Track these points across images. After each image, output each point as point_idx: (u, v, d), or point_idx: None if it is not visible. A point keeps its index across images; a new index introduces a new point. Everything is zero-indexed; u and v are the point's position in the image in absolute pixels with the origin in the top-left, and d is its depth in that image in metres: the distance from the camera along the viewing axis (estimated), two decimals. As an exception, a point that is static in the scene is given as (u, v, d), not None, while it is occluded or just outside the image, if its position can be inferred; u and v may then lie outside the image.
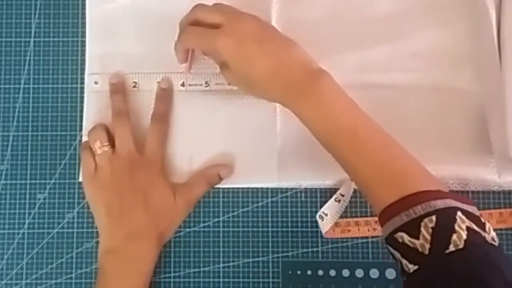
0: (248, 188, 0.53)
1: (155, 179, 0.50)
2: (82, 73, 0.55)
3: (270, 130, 0.53)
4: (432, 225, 0.38)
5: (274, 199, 0.53)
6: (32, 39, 0.55)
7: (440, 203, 0.39)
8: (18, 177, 0.54)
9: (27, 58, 0.55)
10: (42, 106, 0.54)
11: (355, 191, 0.52)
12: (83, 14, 0.55)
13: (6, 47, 0.55)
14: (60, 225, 0.53)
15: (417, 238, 0.38)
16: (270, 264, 0.52)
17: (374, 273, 0.52)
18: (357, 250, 0.52)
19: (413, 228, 0.38)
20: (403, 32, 0.54)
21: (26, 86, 0.55)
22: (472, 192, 0.52)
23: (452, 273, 0.37)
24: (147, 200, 0.50)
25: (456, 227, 0.37)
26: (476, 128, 0.53)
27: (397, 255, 0.40)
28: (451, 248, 0.37)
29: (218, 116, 0.54)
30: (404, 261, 0.39)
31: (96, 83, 0.54)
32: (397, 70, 0.54)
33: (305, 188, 0.53)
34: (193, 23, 0.48)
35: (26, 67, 0.55)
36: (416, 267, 0.38)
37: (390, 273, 0.52)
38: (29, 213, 0.53)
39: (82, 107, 0.54)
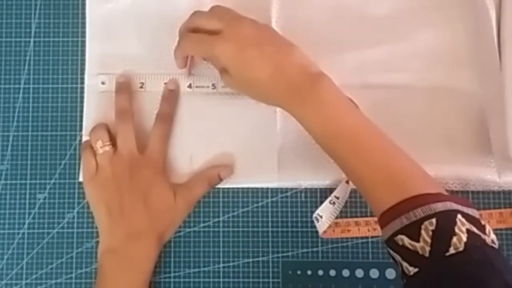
0: (248, 188, 0.53)
1: (155, 179, 0.50)
2: (82, 73, 0.55)
3: (270, 130, 0.53)
4: (433, 227, 0.38)
5: (274, 199, 0.53)
6: (32, 39, 0.55)
7: (440, 206, 0.39)
8: (18, 177, 0.54)
9: (27, 58, 0.55)
10: (42, 106, 0.54)
11: (355, 191, 0.52)
12: (83, 14, 0.55)
13: (6, 47, 0.55)
14: (60, 225, 0.53)
15: (418, 241, 0.38)
16: (270, 264, 0.52)
17: (374, 273, 0.52)
18: (357, 250, 0.52)
19: (413, 230, 0.38)
20: (403, 32, 0.54)
21: (26, 86, 0.55)
22: (472, 192, 0.52)
23: (452, 276, 0.37)
24: (148, 200, 0.50)
25: (456, 230, 0.37)
26: (476, 128, 0.53)
27: (398, 258, 0.40)
28: (451, 250, 0.37)
29: (218, 116, 0.54)
30: (405, 264, 0.39)
31: (103, 83, 0.54)
32: (397, 70, 0.54)
33: (305, 188, 0.53)
34: (192, 30, 0.48)
35: (26, 67, 0.55)
36: (416, 269, 0.38)
37: (390, 273, 0.52)
38: (29, 213, 0.53)
39: (82, 107, 0.54)
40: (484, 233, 0.38)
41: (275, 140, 0.53)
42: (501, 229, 0.52)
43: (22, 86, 0.55)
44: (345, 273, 0.52)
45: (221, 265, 0.53)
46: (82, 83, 0.54)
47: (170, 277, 0.53)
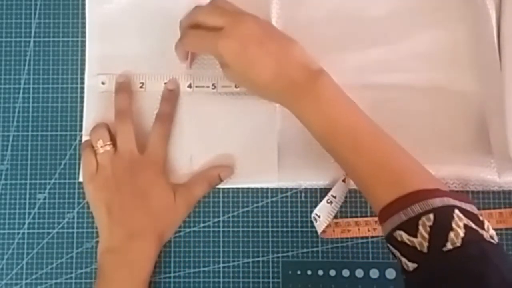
0: (248, 188, 0.53)
1: (155, 179, 0.50)
2: (82, 73, 0.55)
3: (270, 130, 0.53)
4: (430, 223, 0.38)
5: (274, 199, 0.53)
6: (32, 39, 0.55)
7: (438, 202, 0.39)
8: (18, 177, 0.54)
9: (27, 58, 0.55)
10: (42, 106, 0.54)
11: (355, 191, 0.52)
12: (83, 14, 0.55)
13: (6, 47, 0.55)
14: (60, 225, 0.53)
15: (415, 237, 0.38)
16: (270, 264, 0.52)
17: (374, 273, 0.52)
18: (357, 250, 0.52)
19: (411, 226, 0.39)
20: (403, 32, 0.54)
21: (26, 86, 0.55)
22: (472, 192, 0.52)
23: (450, 271, 0.37)
24: (148, 200, 0.50)
25: (454, 225, 0.38)
26: (476, 128, 0.53)
27: (397, 253, 0.40)
28: (449, 246, 0.37)
29: (218, 116, 0.54)
30: (404, 260, 0.39)
31: (103, 83, 0.54)
32: (397, 70, 0.54)
33: (305, 188, 0.53)
34: (193, 26, 0.48)
35: (26, 67, 0.55)
36: (415, 265, 0.38)
37: (390, 273, 0.52)
38: (29, 213, 0.53)
39: (82, 107, 0.54)
40: (483, 228, 0.38)
41: (275, 140, 0.53)
42: (501, 229, 0.52)
43: (22, 86, 0.55)
44: (345, 273, 0.52)
45: (221, 265, 0.53)
46: (82, 83, 0.54)
47: (170, 277, 0.53)
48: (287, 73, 0.46)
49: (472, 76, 0.53)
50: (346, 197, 0.52)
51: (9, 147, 0.54)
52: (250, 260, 0.53)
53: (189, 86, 0.54)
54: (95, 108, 0.54)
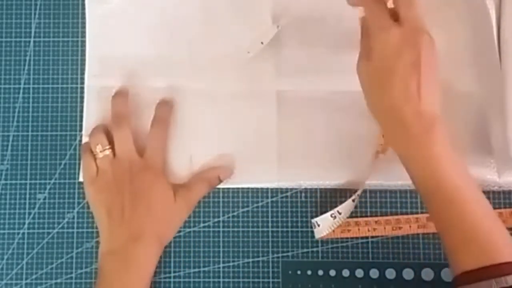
0: (248, 188, 0.53)
1: (155, 181, 0.50)
2: (82, 73, 0.55)
3: (270, 130, 0.53)
4: None
5: (274, 199, 0.53)
6: (32, 39, 0.55)
7: None
8: (18, 177, 0.54)
9: (27, 58, 0.55)
10: (42, 106, 0.54)
11: (355, 191, 0.52)
12: (83, 14, 0.55)
13: (6, 47, 0.55)
14: (60, 225, 0.53)
15: None
16: (270, 264, 0.52)
17: (374, 273, 0.52)
18: (357, 250, 0.52)
19: None
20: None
21: (26, 86, 0.55)
22: (472, 192, 0.52)
23: None
24: (148, 201, 0.49)
25: None
26: (476, 128, 0.53)
27: None
28: None
29: (218, 116, 0.54)
30: None
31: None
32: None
33: (305, 188, 0.53)
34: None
35: (26, 67, 0.55)
36: None
37: (390, 273, 0.52)
38: (29, 213, 0.53)
39: (82, 107, 0.54)
40: None
41: (275, 140, 0.53)
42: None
43: (22, 86, 0.55)
44: (345, 273, 0.52)
45: (221, 265, 0.53)
46: (82, 83, 0.54)
47: (170, 277, 0.53)
48: (398, 104, 0.43)
49: (472, 76, 0.53)
50: (346, 197, 0.52)
51: (9, 147, 0.54)
52: (250, 260, 0.53)
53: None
54: (95, 108, 0.54)
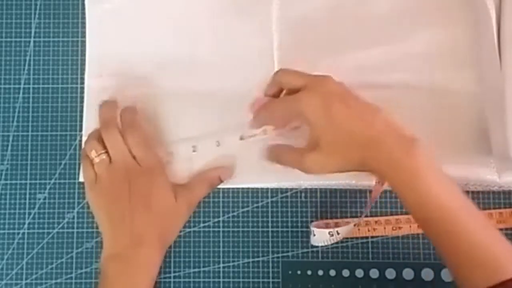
0: (248, 188, 0.53)
1: (155, 182, 0.50)
2: (82, 73, 0.55)
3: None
4: None
5: (274, 199, 0.53)
6: (32, 39, 0.55)
7: None
8: (18, 177, 0.54)
9: (27, 58, 0.55)
10: (42, 106, 0.54)
11: (355, 191, 0.52)
12: (83, 14, 0.55)
13: (6, 47, 0.55)
14: (60, 225, 0.53)
15: None
16: (270, 264, 0.52)
17: (374, 273, 0.52)
18: (357, 250, 0.52)
19: None
20: (403, 32, 0.54)
21: (26, 86, 0.55)
22: (472, 192, 0.52)
23: None
24: (149, 203, 0.49)
25: None
26: (476, 128, 0.53)
27: None
28: None
29: (217, 117, 0.54)
30: None
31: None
32: (397, 70, 0.54)
33: (305, 188, 0.53)
34: (277, 86, 0.49)
35: (26, 67, 0.55)
36: None
37: (390, 273, 0.52)
38: (29, 213, 0.53)
39: (82, 107, 0.54)
40: None
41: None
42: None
43: (22, 86, 0.55)
44: (345, 273, 0.52)
45: (221, 265, 0.53)
46: (82, 83, 0.55)
47: (170, 277, 0.53)
48: (374, 136, 0.44)
49: (472, 76, 0.53)
50: (346, 197, 0.52)
51: (9, 147, 0.54)
52: (250, 260, 0.53)
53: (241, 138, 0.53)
54: (95, 108, 0.54)
